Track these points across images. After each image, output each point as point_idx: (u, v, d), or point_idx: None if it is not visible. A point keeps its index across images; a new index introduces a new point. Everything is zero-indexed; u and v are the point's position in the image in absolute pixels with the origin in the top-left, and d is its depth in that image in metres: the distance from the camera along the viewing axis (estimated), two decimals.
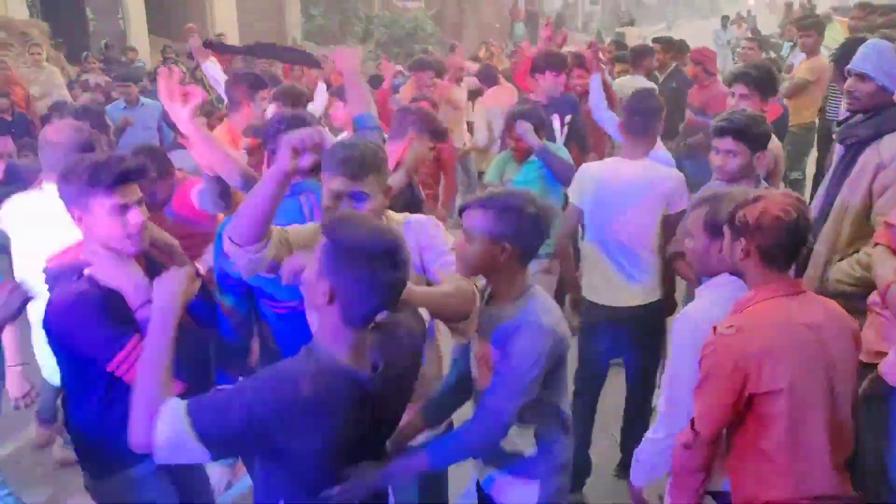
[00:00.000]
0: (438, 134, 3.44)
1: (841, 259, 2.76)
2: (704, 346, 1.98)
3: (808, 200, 2.86)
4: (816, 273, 2.84)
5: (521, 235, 2.01)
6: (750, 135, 2.87)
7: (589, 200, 3.28)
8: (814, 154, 6.64)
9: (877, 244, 2.33)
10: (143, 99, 6.69)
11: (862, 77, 2.72)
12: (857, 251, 2.69)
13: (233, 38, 14.50)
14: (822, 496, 1.91)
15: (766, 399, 1.90)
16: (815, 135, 6.48)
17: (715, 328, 1.97)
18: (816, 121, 6.42)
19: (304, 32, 18.64)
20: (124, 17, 14.06)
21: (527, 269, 2.13)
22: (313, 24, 19.20)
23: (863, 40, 3.09)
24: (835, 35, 7.75)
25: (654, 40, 7.23)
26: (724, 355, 1.92)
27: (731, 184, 2.83)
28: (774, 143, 3.30)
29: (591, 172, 3.34)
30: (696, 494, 2.01)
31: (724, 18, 18.10)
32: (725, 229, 2.06)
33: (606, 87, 4.72)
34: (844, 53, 3.41)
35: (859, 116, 2.82)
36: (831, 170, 2.99)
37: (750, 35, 16.96)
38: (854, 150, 2.82)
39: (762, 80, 3.66)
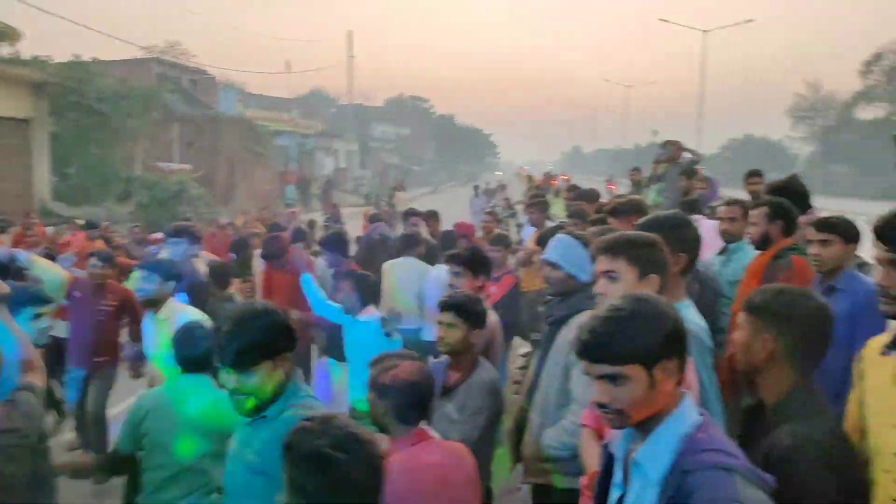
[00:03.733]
0: None
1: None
2: None
3: None
4: (532, 439, 3.06)
5: None
6: (468, 312, 3.17)
7: None
8: None
9: (584, 425, 2.56)
10: None
11: (553, 265, 3.12)
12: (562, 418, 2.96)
13: None
14: None
15: None
16: None
17: None
18: None
19: (56, 192, 17.49)
20: None
21: None
22: (67, 183, 18.14)
23: (557, 230, 3.58)
24: (558, 210, 8.92)
25: (408, 213, 7.81)
26: None
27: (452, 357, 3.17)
28: (493, 318, 3.64)
29: None
30: None
31: (476, 188, 19.97)
32: (371, 392, 2.44)
33: None
34: (542, 243, 3.92)
35: (556, 299, 3.20)
36: (541, 343, 3.32)
37: (504, 203, 18.97)
38: (555, 327, 3.17)
39: (471, 261, 4.07)
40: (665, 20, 40.63)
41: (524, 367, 5.34)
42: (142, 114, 18.49)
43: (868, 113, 51.46)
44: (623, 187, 23.46)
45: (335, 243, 5.69)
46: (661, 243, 2.42)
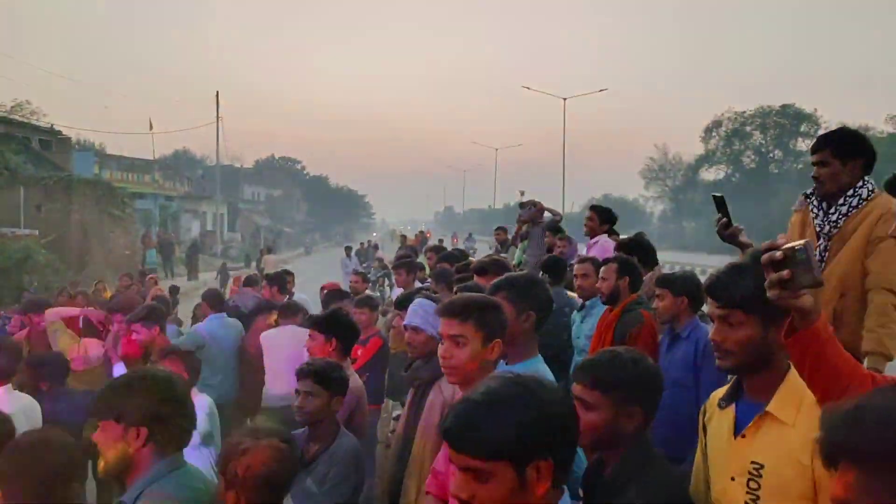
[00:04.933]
0: None
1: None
2: None
3: None
4: (408, 501, 2.99)
5: None
6: (327, 379, 3.14)
7: None
8: None
9: (428, 493, 2.50)
10: None
11: (415, 329, 3.12)
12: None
13: None
14: None
15: None
16: None
17: None
18: None
19: None
20: None
21: None
22: None
23: (417, 293, 3.61)
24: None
25: (270, 279, 7.64)
26: None
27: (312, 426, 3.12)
28: (356, 382, 3.59)
29: None
30: None
31: (348, 249, 20.05)
32: (220, 482, 2.16)
33: None
34: (400, 306, 3.93)
35: (420, 361, 3.19)
36: (406, 407, 3.29)
37: (378, 263, 19.06)
38: (421, 390, 3.15)
39: (323, 323, 3.95)
40: (527, 87, 43.06)
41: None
42: None
43: (710, 174, 56.53)
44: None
45: (149, 318, 5.10)
46: (503, 308, 2.43)
